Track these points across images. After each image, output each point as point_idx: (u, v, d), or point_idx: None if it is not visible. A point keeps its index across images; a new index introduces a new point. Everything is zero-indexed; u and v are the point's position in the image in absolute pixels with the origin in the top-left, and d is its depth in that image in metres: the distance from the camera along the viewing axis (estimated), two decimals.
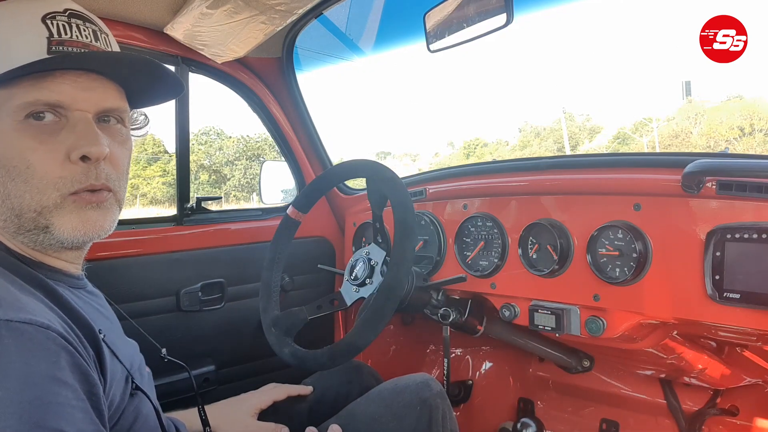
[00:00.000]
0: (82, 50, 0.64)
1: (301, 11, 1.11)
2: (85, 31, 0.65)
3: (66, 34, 0.63)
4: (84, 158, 0.62)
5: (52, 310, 0.56)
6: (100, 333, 0.61)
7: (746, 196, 0.92)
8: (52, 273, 0.65)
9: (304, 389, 1.13)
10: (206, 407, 0.95)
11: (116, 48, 0.71)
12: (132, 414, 0.67)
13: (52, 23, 0.63)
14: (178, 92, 0.76)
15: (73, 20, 0.65)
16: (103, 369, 0.60)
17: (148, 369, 0.80)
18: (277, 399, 1.08)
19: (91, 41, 0.65)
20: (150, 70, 0.69)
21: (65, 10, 0.65)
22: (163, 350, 0.89)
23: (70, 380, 0.51)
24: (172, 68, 1.37)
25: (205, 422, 0.91)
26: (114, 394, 0.62)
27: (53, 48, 0.62)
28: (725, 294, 0.92)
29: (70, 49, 0.63)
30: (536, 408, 1.65)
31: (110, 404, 0.61)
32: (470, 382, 1.74)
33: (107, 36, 0.69)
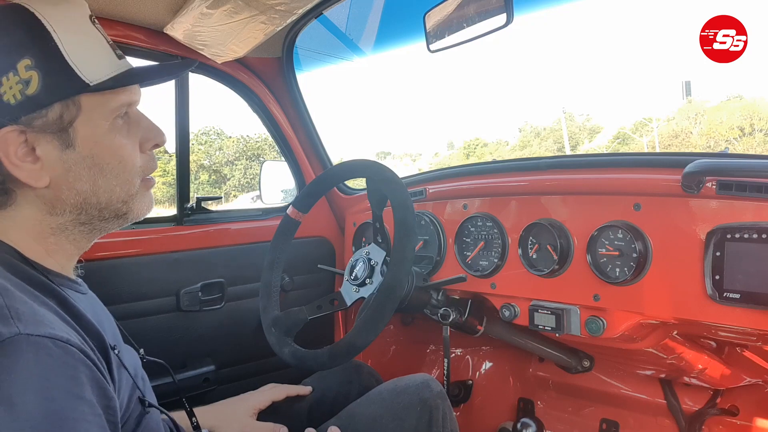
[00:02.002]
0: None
1: (301, 11, 1.11)
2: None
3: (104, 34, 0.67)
4: (154, 147, 0.70)
5: (66, 322, 0.57)
6: (111, 346, 0.62)
7: (746, 196, 0.92)
8: (60, 279, 0.65)
9: (303, 389, 1.13)
10: (204, 407, 0.95)
11: None
12: (135, 420, 0.67)
13: (95, 24, 0.66)
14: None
15: (95, 21, 0.68)
16: (113, 377, 0.60)
17: (145, 374, 0.80)
18: (276, 399, 1.08)
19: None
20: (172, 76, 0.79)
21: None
22: (141, 351, 0.88)
23: (87, 395, 0.51)
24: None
25: (193, 422, 0.91)
26: (121, 400, 0.63)
27: (116, 52, 0.67)
28: (725, 294, 0.92)
29: (117, 51, 0.68)
30: (536, 408, 1.65)
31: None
32: (470, 382, 1.74)
33: None
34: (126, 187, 0.67)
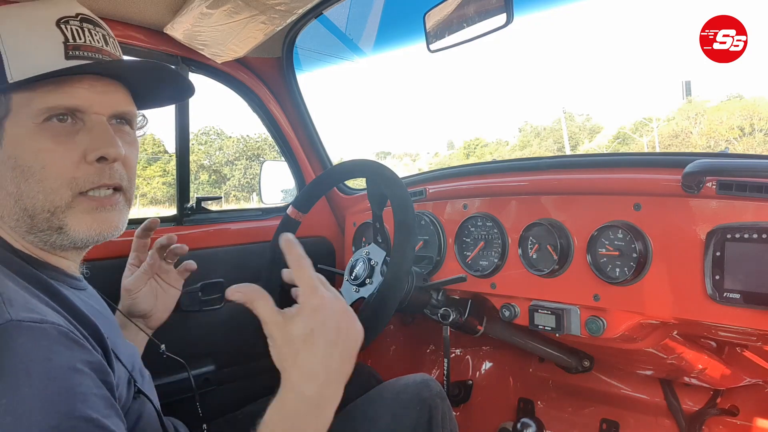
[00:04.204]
0: (97, 55, 0.67)
1: (301, 11, 1.11)
2: (96, 35, 0.67)
3: (80, 38, 0.65)
4: (101, 159, 0.64)
5: (58, 313, 0.57)
6: (106, 339, 0.61)
7: (746, 196, 0.92)
8: (55, 273, 0.66)
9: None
10: None
11: (120, 51, 0.73)
12: (134, 415, 0.67)
13: (66, 27, 0.64)
14: (188, 95, 0.79)
15: (85, 25, 0.67)
16: (111, 368, 0.60)
17: (147, 371, 0.80)
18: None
19: (102, 45, 0.68)
20: (164, 77, 0.73)
21: (77, 15, 0.66)
22: (162, 346, 0.89)
23: (87, 370, 0.52)
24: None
25: (201, 419, 0.92)
26: (119, 395, 0.63)
27: (70, 53, 0.64)
28: (725, 294, 0.91)
29: (85, 53, 0.65)
30: (536, 408, 1.65)
31: None
32: (470, 382, 1.74)
33: (114, 40, 0.71)
34: (51, 197, 0.62)
